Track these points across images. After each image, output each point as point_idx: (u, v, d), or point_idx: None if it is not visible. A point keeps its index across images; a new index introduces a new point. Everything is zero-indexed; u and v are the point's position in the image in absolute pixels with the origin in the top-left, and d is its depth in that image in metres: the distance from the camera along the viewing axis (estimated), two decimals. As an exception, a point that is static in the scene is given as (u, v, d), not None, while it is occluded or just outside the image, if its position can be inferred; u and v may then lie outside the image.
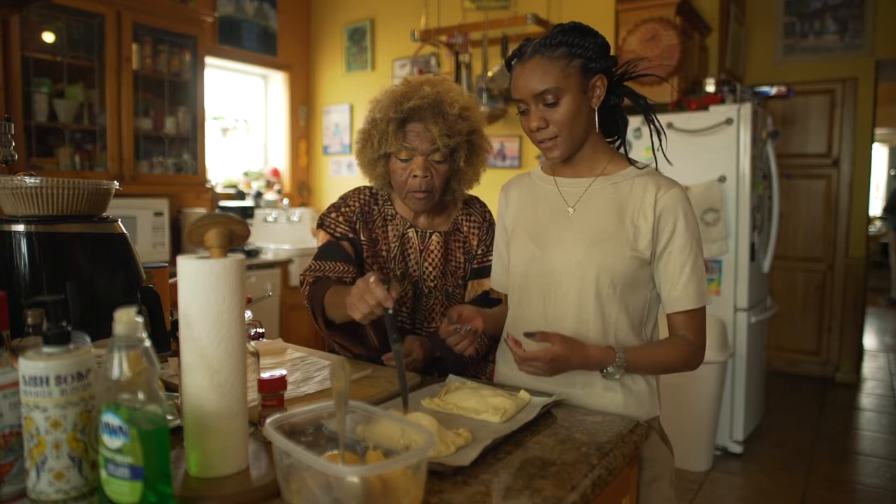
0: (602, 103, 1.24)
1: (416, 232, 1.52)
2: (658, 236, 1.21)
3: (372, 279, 1.13)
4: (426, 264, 1.51)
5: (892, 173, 9.79)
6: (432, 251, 1.51)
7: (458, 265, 1.54)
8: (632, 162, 1.28)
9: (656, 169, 1.29)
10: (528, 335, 1.15)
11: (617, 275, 1.20)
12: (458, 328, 1.23)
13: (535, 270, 1.28)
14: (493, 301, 1.55)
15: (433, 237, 1.52)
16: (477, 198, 1.63)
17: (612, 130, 1.32)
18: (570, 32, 1.19)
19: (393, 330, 1.12)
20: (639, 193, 1.22)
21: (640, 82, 1.30)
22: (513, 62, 1.24)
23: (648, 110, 1.27)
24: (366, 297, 1.13)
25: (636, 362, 1.20)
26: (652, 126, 1.27)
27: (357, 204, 1.52)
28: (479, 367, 1.54)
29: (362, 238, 1.49)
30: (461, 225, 1.56)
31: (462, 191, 1.54)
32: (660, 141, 1.25)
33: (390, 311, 1.12)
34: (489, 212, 1.62)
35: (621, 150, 1.32)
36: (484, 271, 1.55)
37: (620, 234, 1.21)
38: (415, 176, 1.41)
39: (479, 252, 1.56)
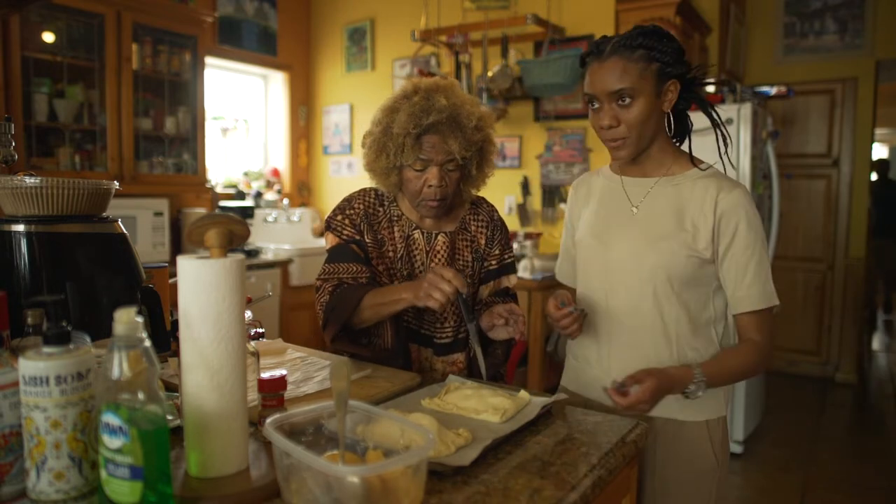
0: (673, 107, 1.26)
1: (422, 233, 1.53)
2: (719, 238, 1.23)
3: (448, 272, 1.23)
4: (432, 265, 1.52)
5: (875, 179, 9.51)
6: (438, 251, 1.52)
7: (466, 264, 1.55)
8: (696, 163, 1.30)
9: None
10: (619, 386, 1.12)
11: (673, 273, 1.23)
12: (573, 310, 1.23)
13: (597, 266, 1.33)
14: (511, 296, 1.58)
15: (439, 238, 1.53)
16: (484, 198, 1.65)
17: (681, 133, 1.34)
18: (650, 35, 1.20)
19: (468, 310, 1.30)
20: (700, 195, 1.24)
21: None
22: (587, 59, 1.26)
23: (715, 117, 1.30)
24: (441, 287, 1.22)
25: (713, 374, 1.19)
26: (718, 132, 1.29)
27: (361, 206, 1.53)
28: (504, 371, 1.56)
29: (367, 240, 1.50)
30: (469, 225, 1.58)
31: (470, 192, 1.55)
32: (726, 147, 1.26)
33: (464, 296, 1.28)
34: (496, 211, 1.64)
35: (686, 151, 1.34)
36: (505, 269, 1.58)
37: (679, 235, 1.23)
38: (430, 186, 1.42)
39: (497, 252, 1.58)
